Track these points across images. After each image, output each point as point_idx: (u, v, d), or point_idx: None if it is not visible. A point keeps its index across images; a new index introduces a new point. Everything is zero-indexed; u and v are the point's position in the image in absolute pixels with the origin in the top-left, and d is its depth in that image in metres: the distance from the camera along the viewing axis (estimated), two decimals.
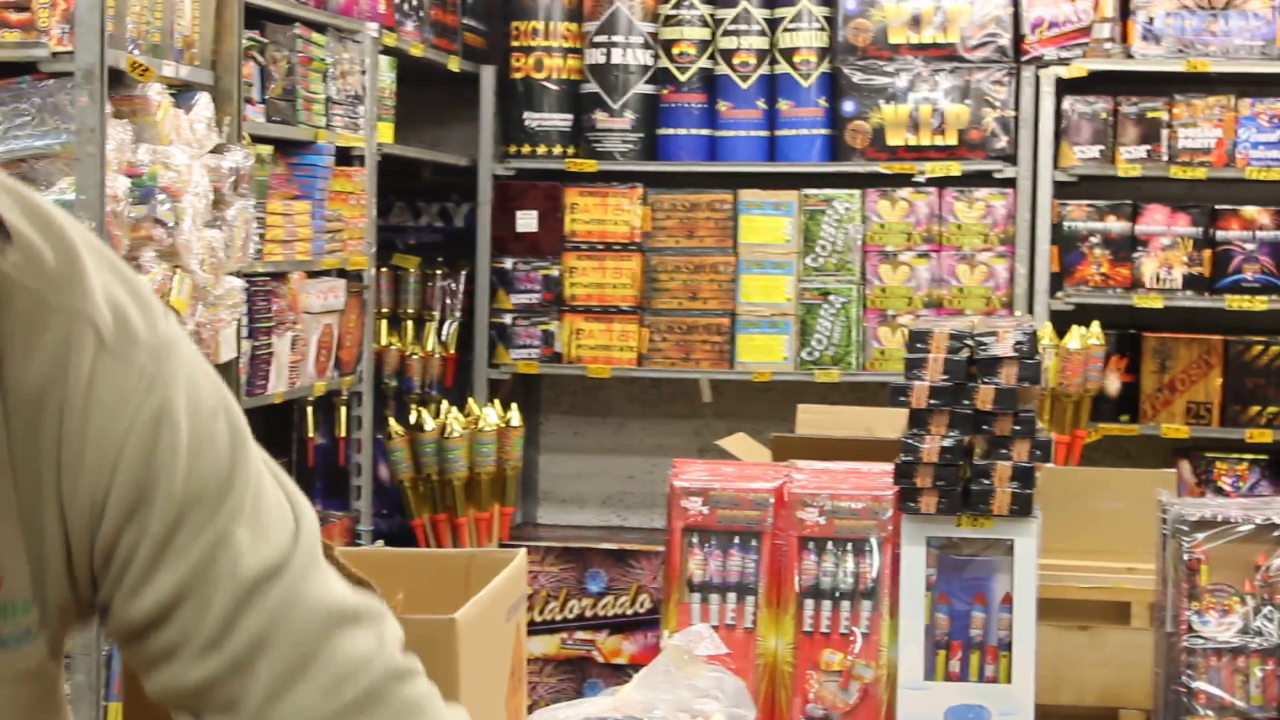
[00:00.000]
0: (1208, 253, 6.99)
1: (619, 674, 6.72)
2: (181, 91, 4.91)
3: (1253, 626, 4.10)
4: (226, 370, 5.14)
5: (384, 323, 7.05)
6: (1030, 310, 7.00)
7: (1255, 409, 6.99)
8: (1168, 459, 7.11)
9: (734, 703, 3.54)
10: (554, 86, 7.37)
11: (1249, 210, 7.00)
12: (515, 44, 7.40)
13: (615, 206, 7.29)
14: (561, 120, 7.37)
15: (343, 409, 6.50)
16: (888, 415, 5.36)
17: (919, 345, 4.09)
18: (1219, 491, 6.95)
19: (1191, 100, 7.02)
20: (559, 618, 7.02)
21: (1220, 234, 7.00)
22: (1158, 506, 4.32)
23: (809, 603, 4.28)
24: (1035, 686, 4.13)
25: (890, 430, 4.85)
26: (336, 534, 6.15)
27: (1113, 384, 7.02)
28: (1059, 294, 7.04)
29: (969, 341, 4.07)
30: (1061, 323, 6.68)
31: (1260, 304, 6.91)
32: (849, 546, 4.28)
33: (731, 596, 4.34)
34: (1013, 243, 7.07)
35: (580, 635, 7.02)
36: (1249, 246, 6.98)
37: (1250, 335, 7.07)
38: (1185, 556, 4.15)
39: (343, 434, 6.51)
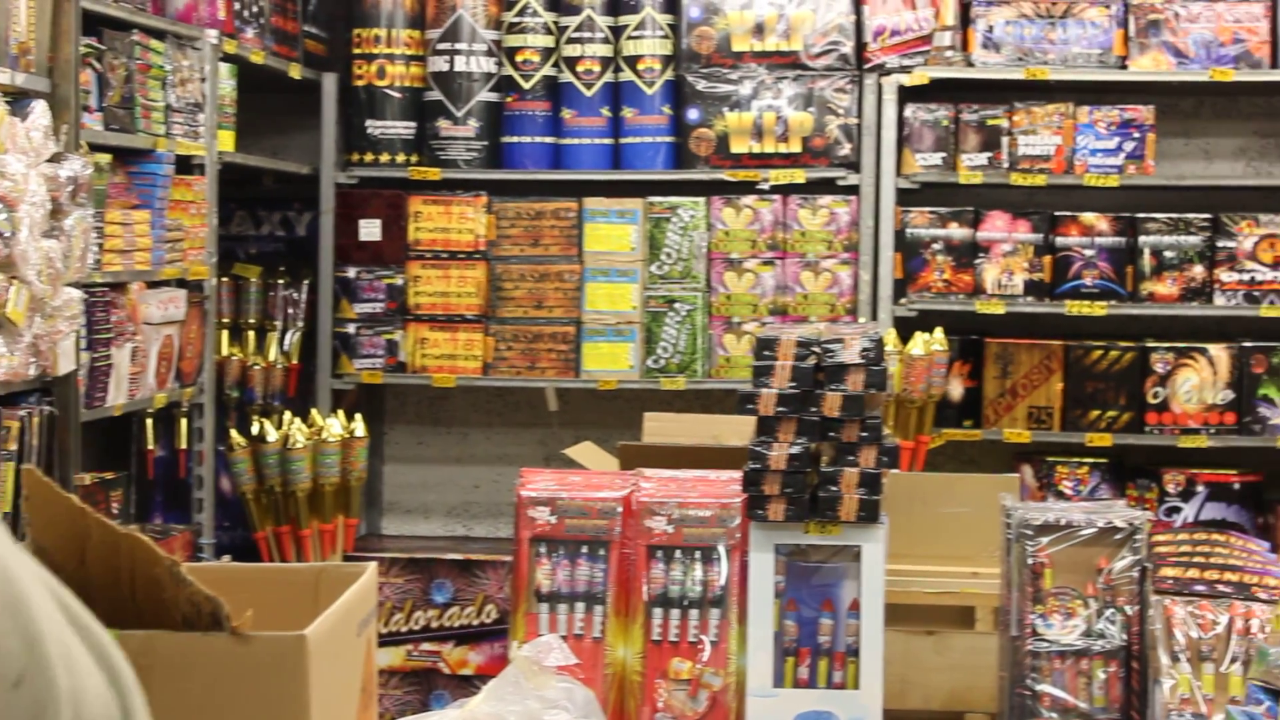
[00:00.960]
0: (1048, 259, 7.07)
1: (466, 685, 6.66)
2: (17, 99, 4.81)
3: (1095, 629, 4.14)
4: (65, 383, 5.04)
5: (225, 333, 6.95)
6: (874, 317, 7.04)
7: (1095, 413, 7.08)
8: (1010, 464, 7.18)
9: (583, 713, 3.52)
10: (397, 94, 7.31)
11: (1088, 217, 7.09)
12: (357, 51, 7.34)
13: (459, 215, 7.25)
14: (404, 128, 7.31)
15: (183, 421, 6.40)
16: (735, 423, 5.36)
17: (766, 353, 4.10)
18: (1060, 495, 7.03)
19: (1031, 108, 7.10)
20: (405, 629, 6.96)
21: (1060, 240, 7.08)
22: (1001, 511, 4.36)
23: (657, 611, 4.28)
24: (883, 692, 4.15)
25: (737, 438, 4.85)
26: (178, 548, 6.06)
27: (956, 389, 7.08)
28: (902, 300, 7.09)
29: (816, 349, 4.09)
30: (905, 329, 6.72)
31: (1099, 309, 7.00)
32: (697, 555, 4.28)
33: (580, 606, 4.33)
34: (856, 250, 7.11)
35: (426, 647, 6.96)
36: (1088, 252, 7.07)
37: (1090, 340, 7.15)
38: (1029, 560, 4.19)
39: (184, 446, 6.41)
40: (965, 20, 7.16)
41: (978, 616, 4.86)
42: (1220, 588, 4.18)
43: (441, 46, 7.29)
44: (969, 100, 7.15)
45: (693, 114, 7.22)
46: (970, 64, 7.13)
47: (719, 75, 7.22)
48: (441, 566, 6.98)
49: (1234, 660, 4.00)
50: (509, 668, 3.52)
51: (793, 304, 7.13)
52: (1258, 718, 3.28)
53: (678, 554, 4.28)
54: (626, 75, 7.24)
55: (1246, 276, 7.01)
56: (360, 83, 7.33)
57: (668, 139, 7.24)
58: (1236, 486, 7.05)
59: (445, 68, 7.28)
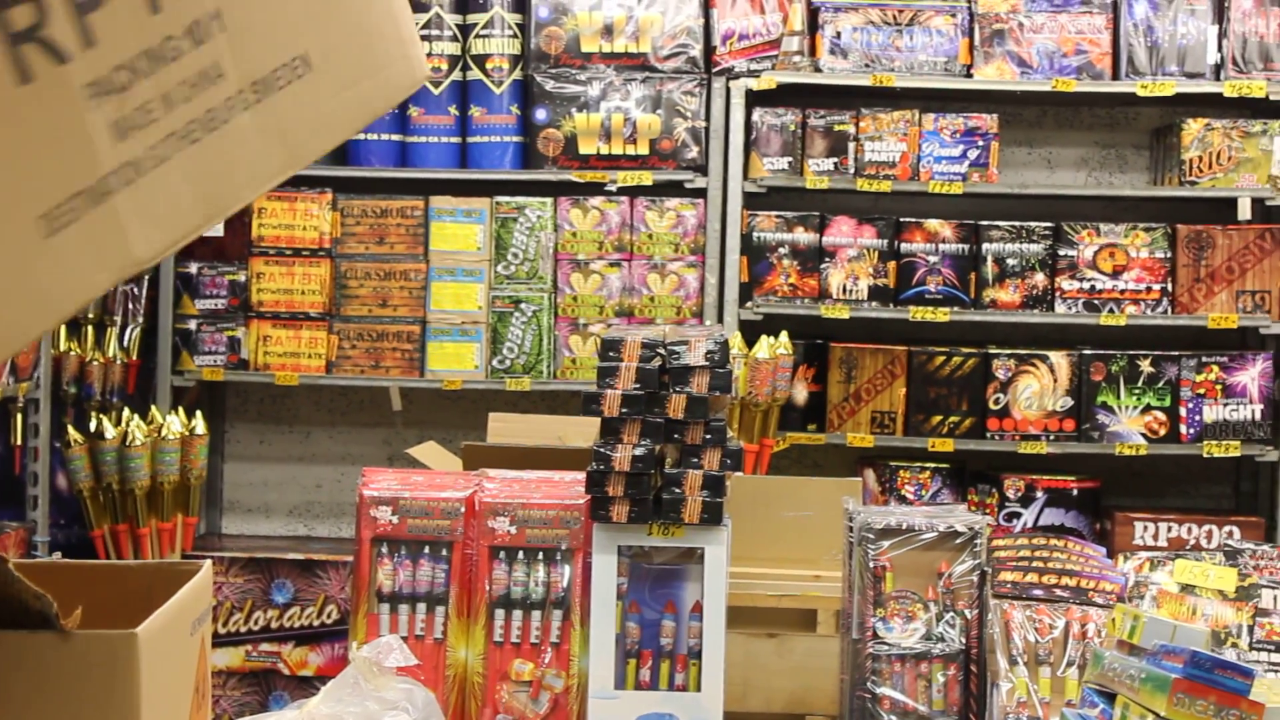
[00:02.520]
0: (892, 264, 7.12)
1: (306, 686, 6.61)
2: None
3: (935, 632, 4.17)
4: None
5: (63, 327, 6.84)
6: (720, 320, 7.05)
7: (937, 418, 7.13)
8: (853, 468, 7.23)
9: (423, 714, 3.49)
10: None
11: (932, 223, 7.14)
12: None
13: (304, 212, 7.18)
14: None
15: (19, 416, 6.29)
16: (580, 424, 5.36)
17: (611, 354, 4.09)
18: (903, 500, 7.08)
19: (877, 114, 7.14)
20: (244, 629, 6.88)
21: (904, 246, 7.13)
22: (844, 515, 4.38)
23: (499, 613, 4.26)
24: (724, 694, 4.15)
25: (582, 439, 4.84)
26: (11, 546, 5.95)
27: (800, 393, 7.11)
28: (748, 304, 7.11)
29: (661, 351, 4.08)
30: (750, 332, 6.74)
31: (942, 315, 7.05)
32: (540, 556, 4.26)
33: (421, 607, 4.29)
34: (703, 252, 7.12)
35: (266, 647, 6.89)
36: (932, 259, 7.12)
37: (933, 346, 7.21)
38: (870, 564, 4.21)
39: (19, 442, 6.31)
40: (813, 26, 7.20)
41: (820, 619, 4.88)
42: (1057, 592, 4.22)
43: None
44: (816, 105, 7.18)
45: (541, 114, 7.20)
46: (818, 70, 7.16)
47: (567, 76, 7.21)
48: (282, 566, 6.91)
49: (1070, 664, 4.04)
50: (348, 668, 3.49)
51: (639, 306, 7.12)
52: None
53: (520, 555, 4.26)
54: (475, 74, 7.20)
55: (1087, 285, 7.10)
56: None
57: (515, 139, 7.21)
58: (1075, 492, 7.13)
59: None
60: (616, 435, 4.08)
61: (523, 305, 7.14)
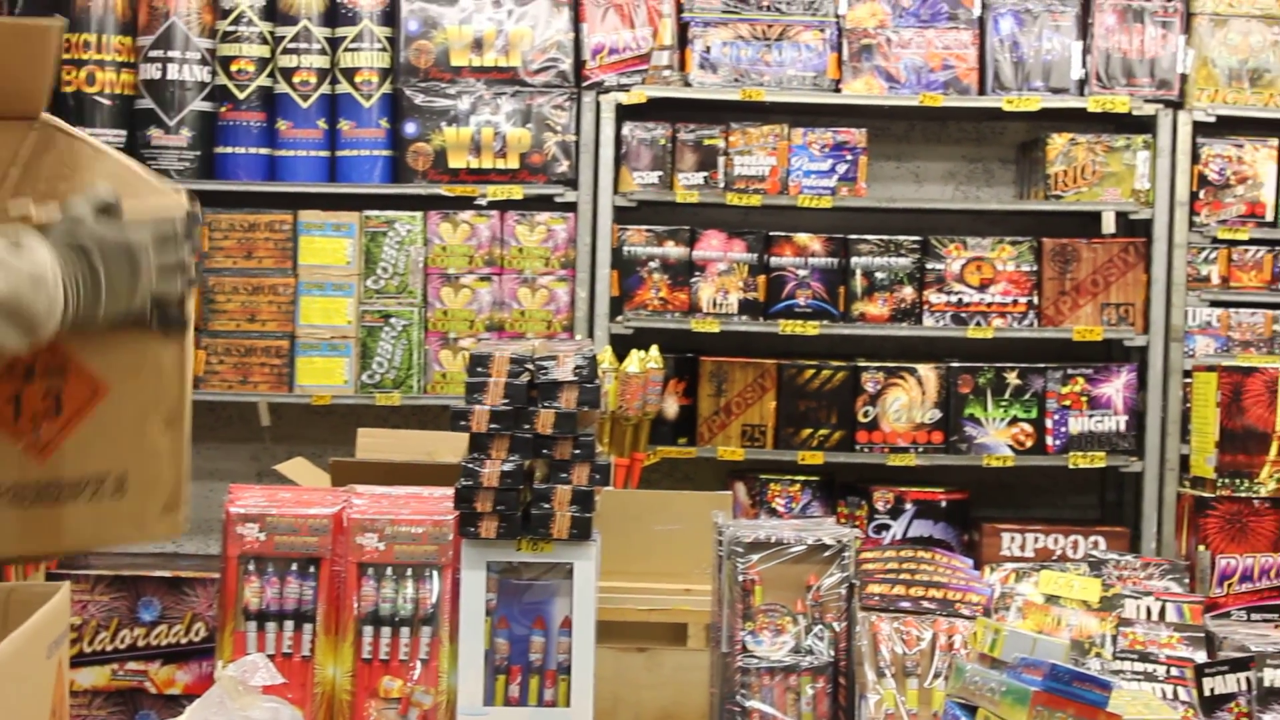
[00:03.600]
0: (762, 278, 7.15)
1: (173, 705, 6.52)
2: None
3: (804, 645, 4.18)
4: None
5: None
6: (591, 334, 7.06)
7: (807, 431, 7.17)
8: (724, 481, 7.25)
9: None
10: (107, 101, 7.15)
11: (801, 237, 7.18)
12: (67, 56, 7.16)
13: None
14: (115, 136, 7.15)
15: None
16: (450, 439, 5.33)
17: (480, 369, 4.08)
18: (773, 513, 7.11)
19: (747, 128, 7.17)
20: (109, 648, 6.79)
21: (774, 260, 7.16)
22: (713, 528, 4.38)
23: (368, 629, 4.23)
24: (594, 709, 4.14)
25: (452, 454, 4.82)
26: None
27: (671, 407, 7.12)
28: (619, 318, 7.11)
29: (529, 365, 4.07)
30: (621, 346, 6.75)
31: (812, 329, 7.09)
32: (409, 572, 4.23)
33: (289, 624, 4.26)
34: (573, 267, 7.12)
35: (132, 666, 6.80)
36: (801, 273, 7.16)
37: (802, 359, 7.25)
38: (740, 577, 4.21)
39: None
40: (683, 40, 7.22)
41: (690, 633, 4.88)
42: (924, 604, 4.24)
43: (154, 54, 7.15)
44: (686, 120, 7.20)
45: (410, 128, 7.18)
46: (688, 84, 7.19)
47: (437, 89, 7.19)
48: (149, 584, 6.82)
49: (937, 675, 4.06)
50: (214, 688, 3.46)
51: (510, 320, 7.11)
52: None
53: (389, 571, 4.23)
54: (344, 87, 7.17)
55: (954, 298, 7.16)
56: (69, 89, 7.16)
57: (385, 152, 7.18)
58: (943, 504, 7.19)
59: (157, 75, 7.14)
60: (485, 451, 4.07)
61: (392, 320, 7.11)
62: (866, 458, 7.18)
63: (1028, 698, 3.07)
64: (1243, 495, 4.61)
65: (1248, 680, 3.98)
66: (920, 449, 7.16)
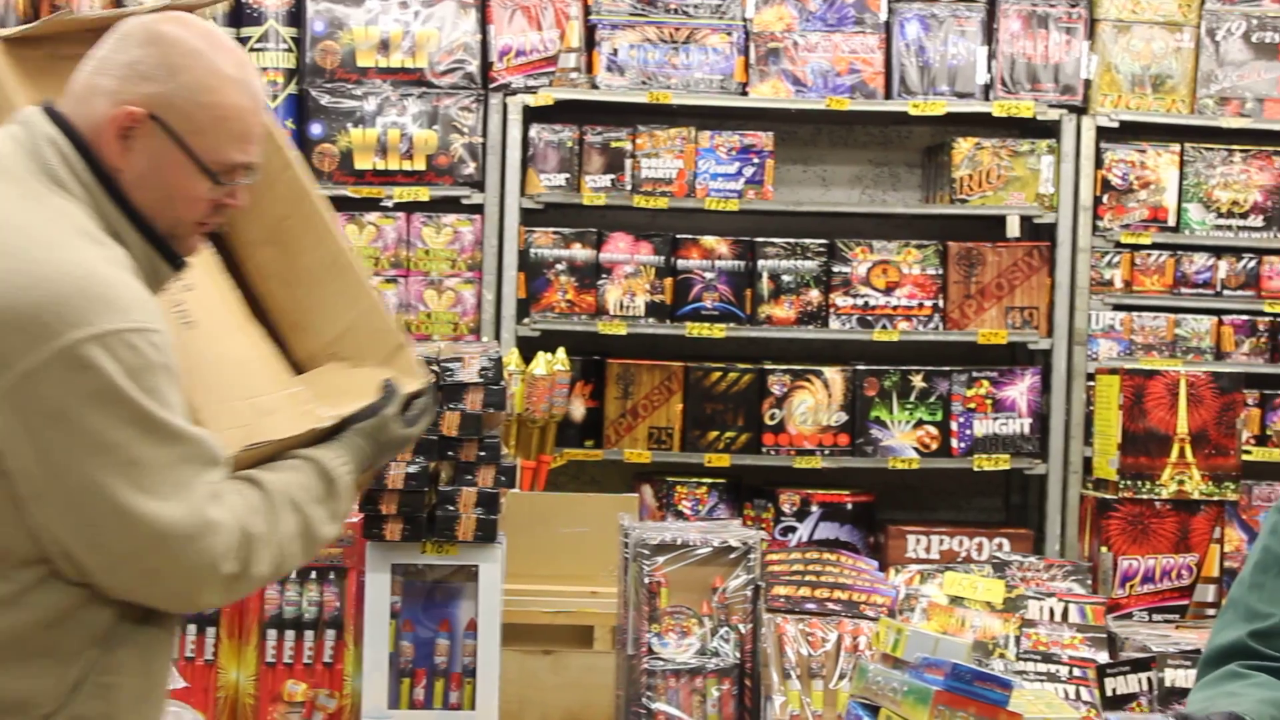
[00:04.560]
0: (669, 281, 7.15)
1: None
2: None
3: (710, 647, 4.18)
4: None
5: None
6: (497, 336, 7.04)
7: (714, 434, 7.17)
8: (631, 483, 7.24)
9: None
10: None
11: (708, 240, 7.19)
12: None
13: None
14: None
15: None
16: None
17: None
18: (680, 515, 7.11)
19: (654, 131, 7.17)
20: None
21: (681, 263, 7.17)
22: (619, 531, 4.38)
23: (271, 633, 4.20)
24: (499, 712, 4.14)
25: None
26: None
27: (578, 410, 7.10)
28: (526, 320, 7.10)
29: (435, 368, 4.06)
30: (528, 348, 6.72)
31: (719, 331, 7.10)
32: (313, 575, 4.21)
33: (191, 628, 4.23)
34: (480, 269, 7.10)
35: None
36: (708, 275, 7.17)
37: (709, 362, 7.25)
38: (646, 580, 4.21)
39: None
40: (590, 43, 7.21)
41: (596, 635, 4.87)
42: (829, 605, 4.25)
43: None
44: (594, 122, 7.20)
45: (316, 129, 7.14)
46: (595, 86, 7.18)
47: (343, 90, 7.15)
48: None
49: (842, 677, 4.07)
50: None
51: (416, 323, 7.09)
52: None
53: (293, 574, 4.21)
54: None
55: (860, 301, 7.19)
56: None
57: None
58: (849, 506, 7.21)
59: None
60: None
61: None
62: (773, 460, 7.20)
63: (929, 697, 3.08)
64: (1144, 497, 4.65)
65: (1149, 680, 4.01)
66: (826, 451, 7.18)
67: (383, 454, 3.13)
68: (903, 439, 7.19)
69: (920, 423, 7.20)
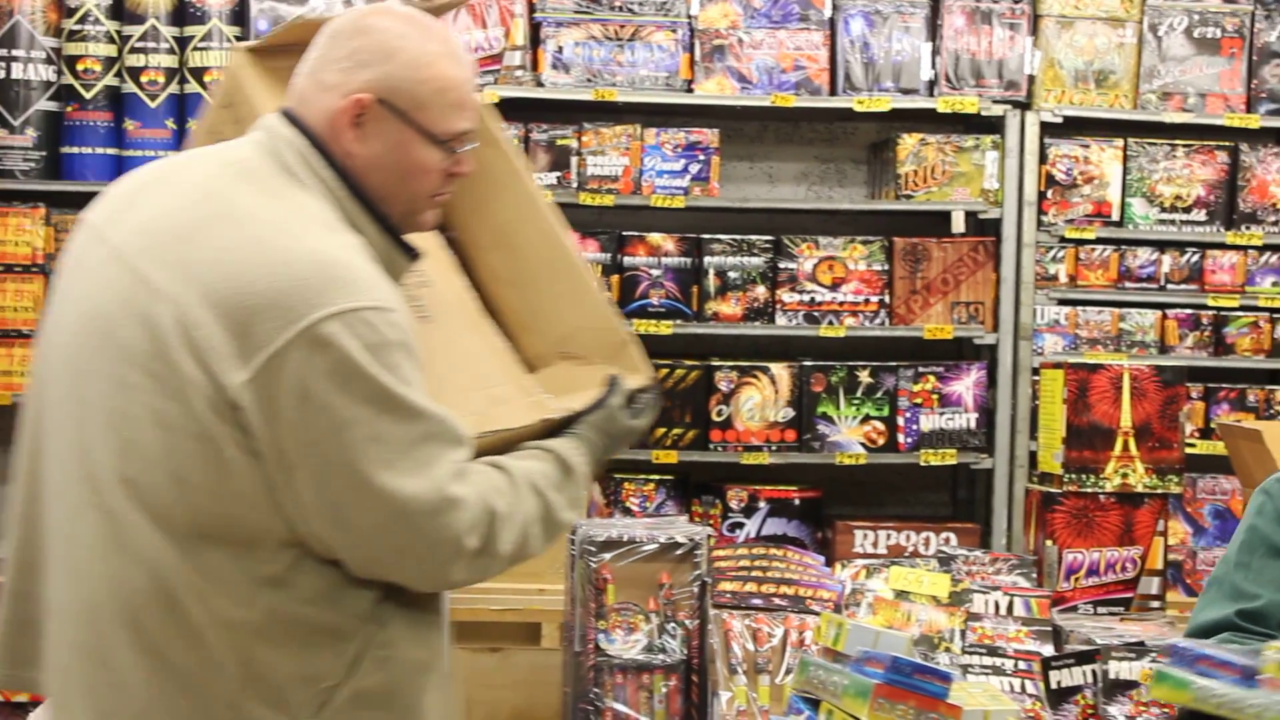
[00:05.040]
0: (616, 278, 7.15)
1: (19, 712, 6.45)
2: None
3: (656, 644, 4.19)
4: None
5: None
6: None
7: (661, 430, 7.17)
8: None
9: None
10: None
11: (654, 237, 7.19)
12: None
13: (16, 227, 7.00)
14: None
15: None
16: None
17: None
18: (627, 512, 7.11)
19: (600, 129, 7.17)
20: None
21: (628, 260, 7.17)
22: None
23: None
24: None
25: None
26: None
27: None
28: None
29: None
30: None
31: (666, 328, 7.10)
32: None
33: None
34: None
35: None
36: (655, 272, 7.17)
37: (656, 359, 7.23)
38: (592, 576, 4.22)
39: None
40: (535, 40, 7.21)
41: (544, 633, 4.88)
42: (776, 601, 4.26)
43: None
44: (539, 120, 7.19)
45: None
46: (540, 84, 7.18)
47: None
48: None
49: (789, 672, 4.08)
50: None
51: None
52: None
53: None
54: (193, 87, 7.09)
55: (807, 297, 7.20)
56: None
57: (172, 154, 7.09)
58: (797, 502, 7.22)
59: (1, 75, 7.03)
60: None
61: None
62: (720, 456, 7.20)
63: (869, 690, 3.09)
64: (1089, 491, 4.67)
65: (1094, 673, 4.03)
66: (774, 447, 7.19)
67: (612, 446, 3.24)
68: (850, 434, 7.21)
69: (867, 418, 7.22)
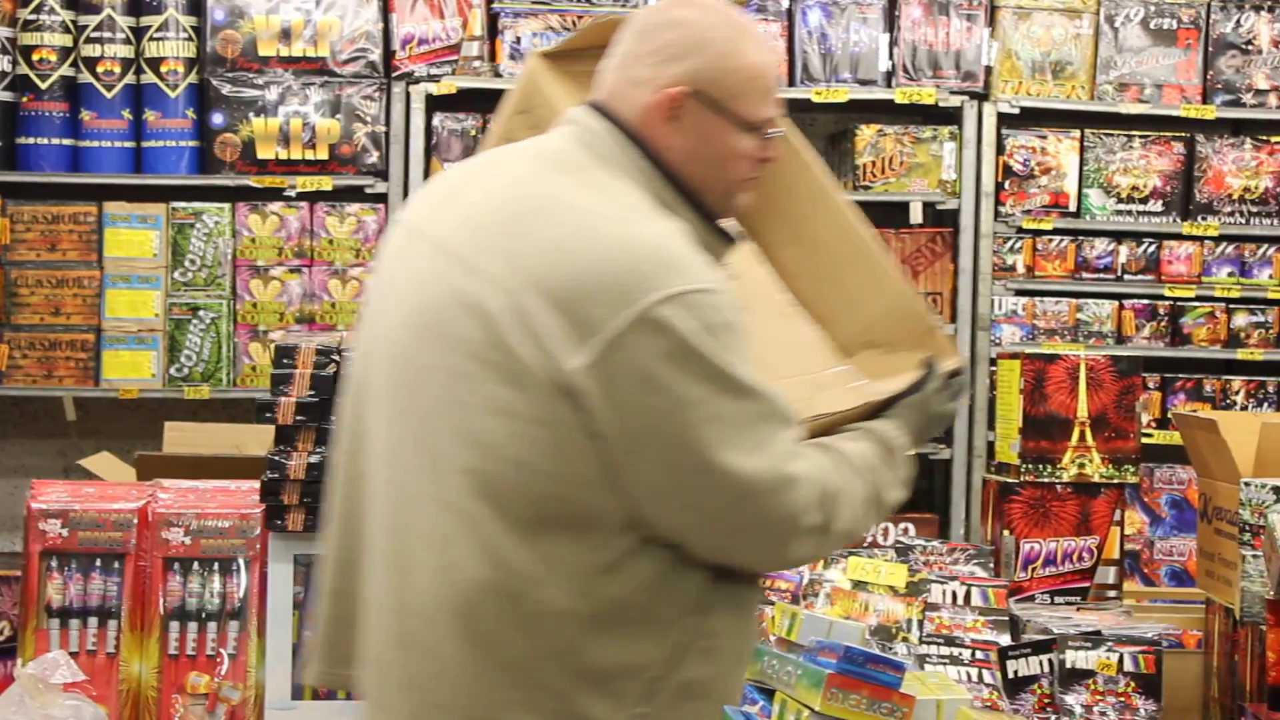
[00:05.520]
0: None
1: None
2: None
3: None
4: None
5: None
6: None
7: None
8: None
9: None
10: None
11: None
12: None
13: None
14: None
15: None
16: (259, 432, 5.28)
17: (285, 361, 4.05)
18: None
19: None
20: None
21: None
22: None
23: (174, 625, 4.19)
24: None
25: (261, 447, 4.77)
26: None
27: None
28: None
29: (335, 357, 4.05)
30: None
31: None
32: (215, 566, 4.20)
33: (93, 621, 4.21)
34: None
35: None
36: None
37: None
38: None
39: None
40: (493, 31, 7.20)
41: None
42: None
43: None
44: (496, 110, 7.17)
45: (218, 118, 7.09)
46: (498, 74, 7.17)
47: (245, 80, 7.11)
48: None
49: None
50: (13, 686, 3.41)
51: (320, 312, 7.05)
52: (752, 717, 3.36)
53: (195, 566, 4.19)
54: (148, 77, 7.06)
55: None
56: None
57: (192, 143, 7.08)
58: None
59: None
60: (291, 443, 4.04)
61: (201, 312, 7.02)
62: None
63: (822, 680, 3.10)
64: (1046, 480, 4.69)
65: (1050, 662, 4.05)
66: None
67: (930, 428, 3.26)
68: None
69: None
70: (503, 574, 2.69)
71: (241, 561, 4.18)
